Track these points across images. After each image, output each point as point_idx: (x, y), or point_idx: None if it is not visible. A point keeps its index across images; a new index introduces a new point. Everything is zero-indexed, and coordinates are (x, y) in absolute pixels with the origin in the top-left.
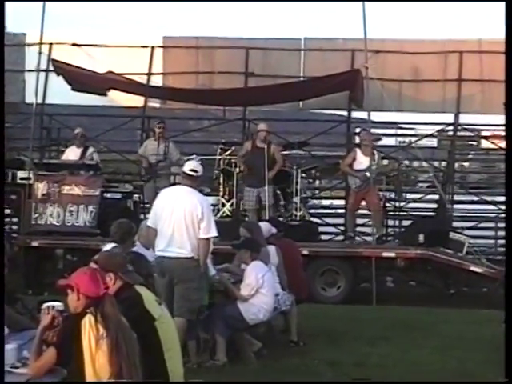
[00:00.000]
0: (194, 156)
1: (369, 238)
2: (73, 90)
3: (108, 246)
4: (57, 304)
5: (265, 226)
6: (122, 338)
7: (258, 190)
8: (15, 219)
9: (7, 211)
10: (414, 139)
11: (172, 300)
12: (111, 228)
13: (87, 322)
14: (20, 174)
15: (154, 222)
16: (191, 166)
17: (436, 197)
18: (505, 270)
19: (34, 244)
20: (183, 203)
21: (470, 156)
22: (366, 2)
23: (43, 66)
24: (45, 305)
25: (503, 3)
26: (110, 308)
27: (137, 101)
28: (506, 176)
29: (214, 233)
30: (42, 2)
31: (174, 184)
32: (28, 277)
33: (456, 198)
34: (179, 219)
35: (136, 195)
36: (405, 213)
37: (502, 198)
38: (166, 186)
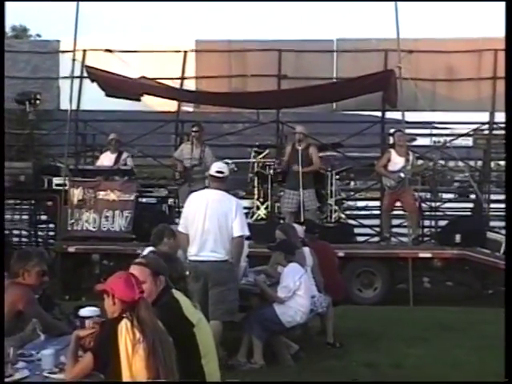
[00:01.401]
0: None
1: (405, 239)
2: (107, 95)
3: (146, 250)
4: (92, 309)
5: (299, 227)
6: (158, 342)
7: (299, 192)
8: (52, 225)
9: (44, 217)
10: (449, 139)
11: (205, 304)
12: None
13: (123, 327)
14: (56, 180)
15: (186, 227)
16: (217, 167)
17: (472, 196)
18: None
19: (71, 250)
20: (215, 206)
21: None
22: (398, 2)
23: (77, 73)
24: (88, 321)
25: None
26: (145, 312)
27: (170, 105)
28: (506, 176)
29: (247, 231)
30: (75, 10)
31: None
32: (65, 282)
33: (493, 197)
34: (212, 222)
35: (171, 199)
36: (441, 213)
37: None
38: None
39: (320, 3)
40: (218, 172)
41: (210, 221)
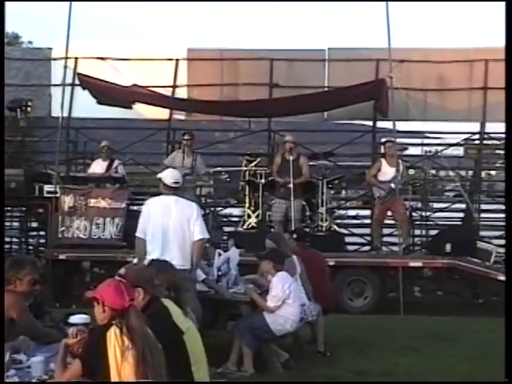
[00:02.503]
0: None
1: (395, 248)
2: (98, 103)
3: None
4: (83, 316)
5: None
6: (148, 349)
7: (287, 202)
8: (42, 232)
9: (34, 224)
10: (440, 148)
11: None
12: None
13: (112, 334)
14: (47, 187)
15: (144, 232)
16: (174, 178)
17: (463, 206)
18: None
19: (62, 257)
20: (178, 212)
21: (497, 164)
22: (390, 12)
23: (69, 80)
24: (72, 328)
25: None
26: (135, 320)
27: (162, 113)
28: (506, 176)
29: (207, 235)
30: (67, 15)
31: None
32: (56, 290)
33: (483, 206)
34: (175, 229)
35: None
36: (431, 222)
37: None
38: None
39: (312, 12)
40: (175, 183)
41: (174, 228)
